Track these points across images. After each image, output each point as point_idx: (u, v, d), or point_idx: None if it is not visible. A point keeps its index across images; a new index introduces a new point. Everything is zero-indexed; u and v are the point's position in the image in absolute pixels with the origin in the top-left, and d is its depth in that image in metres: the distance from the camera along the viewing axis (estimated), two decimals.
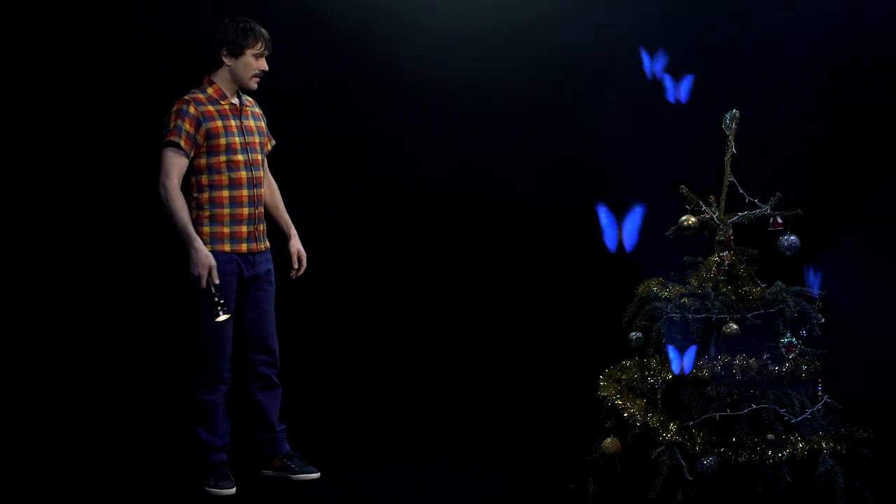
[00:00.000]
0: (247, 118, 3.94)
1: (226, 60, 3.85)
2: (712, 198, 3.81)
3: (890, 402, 4.34)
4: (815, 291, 3.63)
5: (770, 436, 3.47)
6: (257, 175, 3.93)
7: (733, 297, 3.65)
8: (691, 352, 3.51)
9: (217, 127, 3.82)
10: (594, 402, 3.84)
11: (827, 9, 4.88)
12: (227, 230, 3.86)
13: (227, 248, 3.85)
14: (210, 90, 3.88)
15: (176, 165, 3.77)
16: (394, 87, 5.44)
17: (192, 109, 3.79)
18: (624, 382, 3.78)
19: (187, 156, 3.79)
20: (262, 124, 4.04)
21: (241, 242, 3.88)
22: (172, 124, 3.77)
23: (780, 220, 3.73)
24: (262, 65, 3.88)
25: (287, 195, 4.22)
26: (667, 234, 3.82)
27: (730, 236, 3.76)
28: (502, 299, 5.60)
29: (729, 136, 3.79)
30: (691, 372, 3.58)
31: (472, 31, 5.35)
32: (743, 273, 3.74)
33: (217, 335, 3.84)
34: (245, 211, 3.88)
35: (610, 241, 3.58)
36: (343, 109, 5.47)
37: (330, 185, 5.49)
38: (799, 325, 3.62)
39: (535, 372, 5.37)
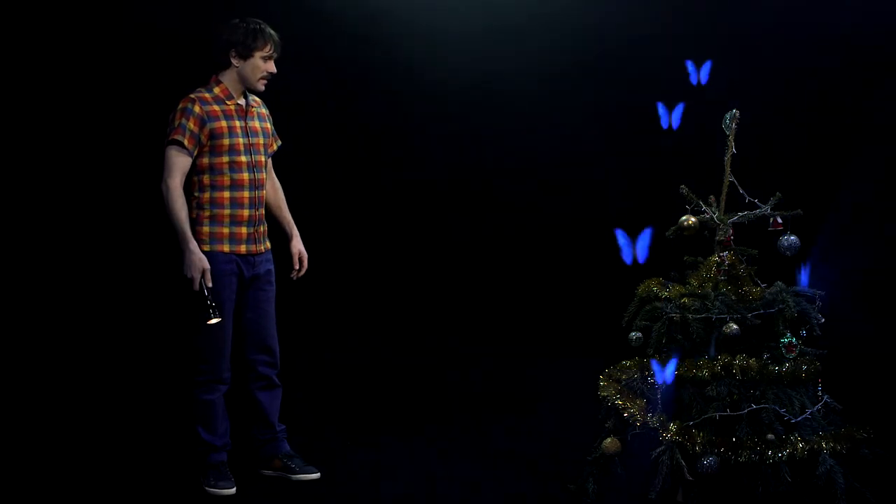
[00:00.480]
0: (252, 119, 3.94)
1: (234, 61, 3.84)
2: (712, 198, 3.81)
3: (890, 402, 4.34)
4: (805, 287, 3.63)
5: (770, 436, 3.46)
6: (260, 177, 3.93)
7: (733, 297, 3.65)
8: (673, 362, 3.52)
9: (221, 127, 3.82)
10: (594, 402, 3.84)
11: (827, 8, 4.88)
12: (226, 231, 3.85)
13: (226, 248, 3.85)
14: (217, 90, 3.87)
15: (179, 164, 3.77)
16: (393, 88, 5.45)
17: (197, 108, 3.79)
18: (624, 382, 3.78)
19: (190, 155, 3.79)
20: (268, 125, 4.03)
21: (240, 243, 3.88)
22: (177, 122, 3.77)
23: (780, 220, 3.73)
24: (271, 67, 3.87)
25: (288, 195, 4.22)
26: (667, 234, 3.81)
27: (730, 236, 3.75)
28: (502, 299, 5.61)
29: (729, 136, 3.79)
30: (691, 372, 3.57)
31: (473, 31, 5.36)
32: (743, 273, 3.74)
33: (216, 335, 3.84)
34: (246, 213, 3.88)
35: (627, 257, 3.66)
36: (343, 109, 5.48)
37: (330, 185, 5.50)
38: (799, 325, 3.61)
39: (535, 372, 5.37)
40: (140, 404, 4.92)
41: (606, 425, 3.76)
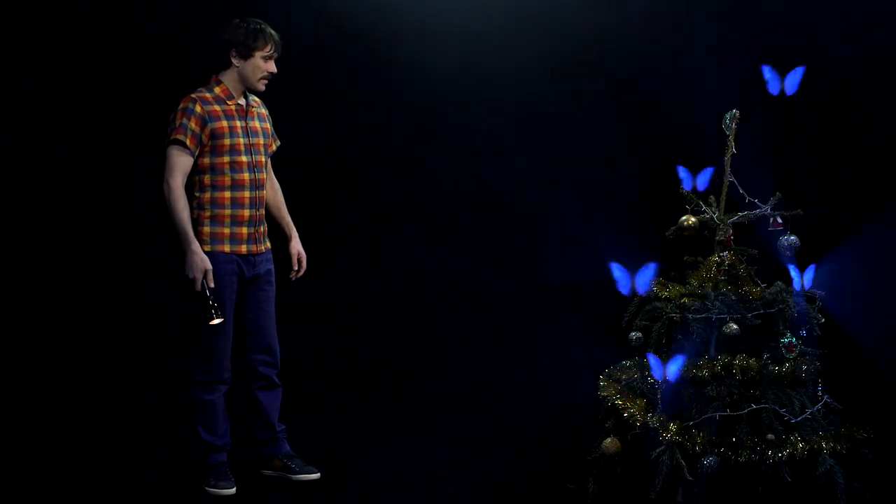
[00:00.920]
0: (252, 119, 3.93)
1: (234, 61, 3.84)
2: (712, 198, 3.81)
3: (890, 402, 4.34)
4: (798, 287, 3.64)
5: (770, 436, 3.46)
6: (260, 177, 3.92)
7: (733, 297, 3.65)
8: (676, 360, 3.52)
9: (222, 127, 3.82)
10: (594, 402, 3.84)
11: (827, 8, 4.88)
12: (227, 231, 3.85)
13: (226, 248, 3.85)
14: (217, 90, 3.87)
15: (180, 164, 3.77)
16: (394, 87, 5.44)
17: (198, 108, 3.79)
18: (624, 382, 3.78)
19: (192, 154, 3.79)
20: (268, 125, 4.03)
21: (241, 243, 3.88)
22: (178, 122, 3.77)
23: (780, 220, 3.73)
24: (271, 67, 3.87)
25: (286, 196, 4.21)
26: (667, 234, 3.82)
27: (730, 236, 3.76)
28: (502, 299, 5.60)
29: (729, 136, 3.79)
30: (691, 372, 3.58)
31: (474, 30, 5.36)
32: (743, 273, 3.74)
33: (217, 335, 3.84)
34: (246, 213, 3.88)
35: (624, 289, 3.69)
36: (343, 110, 5.47)
37: (330, 185, 5.49)
38: (799, 325, 3.62)
39: (534, 372, 5.37)
40: (140, 404, 4.92)
41: (606, 425, 3.76)
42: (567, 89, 5.37)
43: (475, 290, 5.62)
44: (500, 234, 5.57)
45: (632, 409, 3.64)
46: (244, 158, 3.86)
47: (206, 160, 3.82)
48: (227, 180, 3.84)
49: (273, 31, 3.86)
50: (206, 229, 3.83)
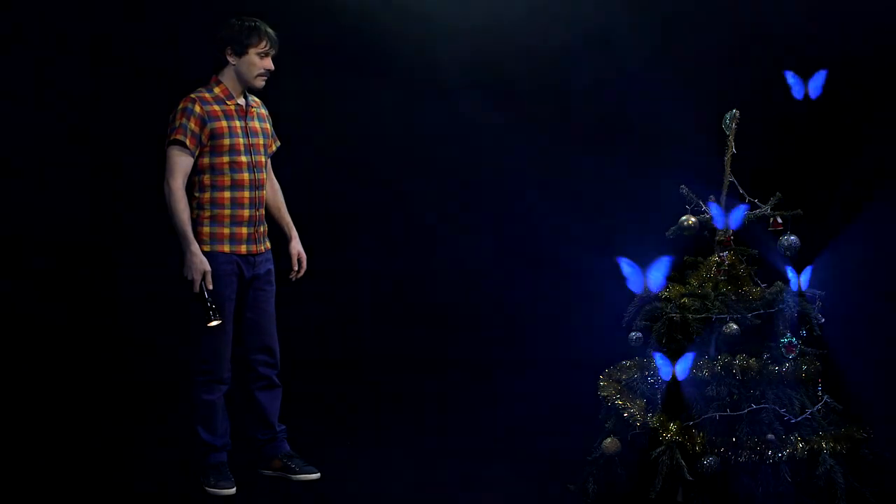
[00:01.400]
0: (252, 119, 3.93)
1: (230, 59, 3.84)
2: (712, 198, 3.81)
3: (890, 402, 4.34)
4: (794, 286, 3.64)
5: (770, 436, 3.46)
6: (260, 177, 3.92)
7: (733, 297, 3.65)
8: (686, 358, 3.51)
9: (221, 127, 3.82)
10: (594, 402, 3.84)
11: (827, 8, 4.88)
12: (227, 231, 3.85)
13: (226, 248, 3.85)
14: (217, 90, 3.87)
15: (180, 164, 3.77)
16: (394, 88, 5.44)
17: (197, 108, 3.78)
18: (624, 382, 3.78)
19: (192, 154, 3.78)
20: (268, 125, 4.03)
21: (240, 244, 3.88)
22: (178, 122, 3.77)
23: (780, 220, 3.73)
24: (268, 64, 3.86)
25: (286, 196, 4.21)
26: (667, 234, 3.82)
27: (730, 236, 3.76)
28: (502, 299, 5.60)
29: (729, 136, 3.79)
30: (691, 372, 3.58)
31: (475, 29, 5.36)
32: (743, 273, 3.74)
33: (217, 335, 3.83)
34: (246, 213, 3.87)
35: (635, 287, 3.66)
36: (343, 110, 5.47)
37: (330, 185, 5.50)
38: (799, 325, 3.62)
39: (535, 371, 5.37)
40: (140, 404, 4.92)
41: (606, 425, 3.76)
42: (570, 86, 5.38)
43: (474, 289, 5.62)
44: (501, 234, 5.57)
45: (632, 409, 3.64)
46: (244, 158, 3.86)
47: (206, 160, 3.82)
48: (227, 180, 3.84)
49: (269, 29, 3.85)
50: (206, 229, 3.83)
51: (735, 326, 3.57)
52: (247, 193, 3.87)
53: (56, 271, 5.19)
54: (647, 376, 3.71)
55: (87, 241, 5.20)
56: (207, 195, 3.84)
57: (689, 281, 3.78)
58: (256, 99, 4.01)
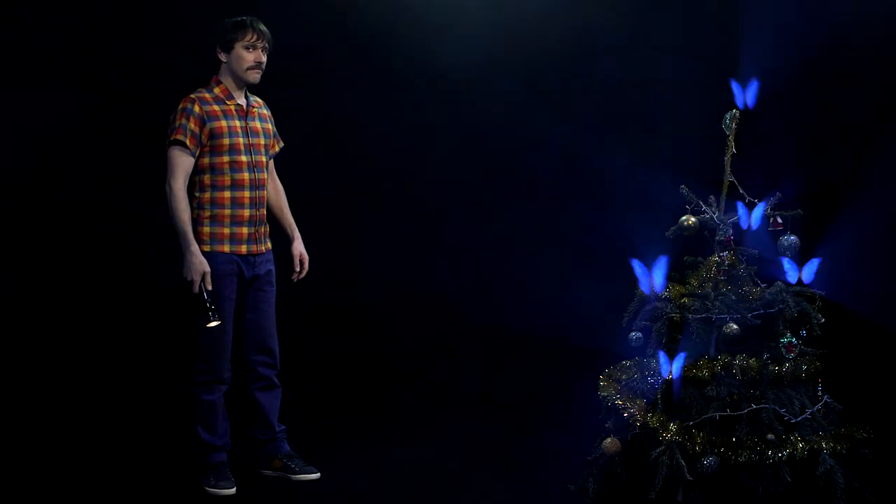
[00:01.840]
0: (253, 119, 3.93)
1: (221, 58, 3.85)
2: (712, 198, 3.81)
3: (890, 402, 4.34)
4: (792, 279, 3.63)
5: (770, 436, 3.46)
6: (260, 177, 3.92)
7: (733, 297, 3.65)
8: (681, 357, 3.51)
9: (221, 127, 3.82)
10: (594, 402, 3.84)
11: (827, 8, 4.89)
12: (227, 231, 3.85)
13: (226, 248, 3.85)
14: (217, 90, 3.87)
15: (181, 165, 3.77)
16: (395, 88, 5.45)
17: (196, 108, 3.79)
18: (624, 382, 3.78)
19: (192, 155, 3.79)
20: (269, 126, 4.03)
21: (241, 244, 3.88)
22: (177, 123, 3.77)
23: (780, 220, 3.73)
24: (257, 56, 3.85)
25: (289, 197, 4.21)
26: (667, 234, 3.82)
27: (730, 236, 3.75)
28: (502, 298, 5.61)
29: (729, 136, 3.79)
30: (691, 372, 3.58)
31: (477, 28, 5.37)
32: (743, 273, 3.74)
33: (217, 336, 3.84)
34: (246, 212, 3.87)
35: (644, 287, 3.70)
36: (344, 110, 5.48)
37: (331, 185, 5.50)
38: (799, 325, 3.61)
39: (535, 371, 5.38)
40: (140, 404, 4.92)
41: (606, 425, 3.76)
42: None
43: (474, 289, 5.62)
44: (502, 233, 5.57)
45: (632, 409, 3.64)
46: (244, 158, 3.86)
47: (206, 160, 3.82)
48: (227, 180, 3.84)
49: (258, 24, 3.84)
50: (206, 229, 3.83)
51: (735, 326, 3.56)
52: (247, 193, 3.87)
53: (56, 271, 5.19)
54: (647, 376, 3.71)
55: (87, 241, 5.21)
56: (208, 195, 3.84)
57: (689, 281, 3.78)
58: (259, 99, 4.01)
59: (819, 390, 3.64)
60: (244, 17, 3.84)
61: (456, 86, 5.44)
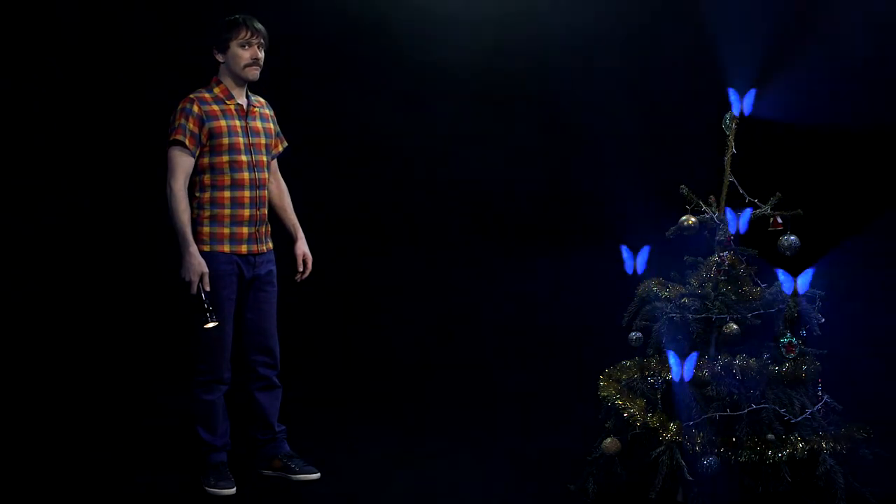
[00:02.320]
0: (253, 119, 3.93)
1: (219, 58, 3.86)
2: (712, 198, 3.81)
3: (890, 401, 4.34)
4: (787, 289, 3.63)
5: (770, 436, 3.46)
6: (261, 177, 3.92)
7: (733, 297, 3.65)
8: (692, 358, 3.51)
9: (220, 126, 3.82)
10: (594, 402, 3.84)
11: (827, 9, 4.89)
12: (227, 231, 3.85)
13: (226, 248, 3.85)
14: (217, 90, 3.87)
15: (181, 165, 3.77)
16: (395, 88, 5.45)
17: (195, 108, 3.79)
18: (624, 382, 3.78)
19: (192, 155, 3.78)
20: (271, 125, 4.02)
21: (241, 244, 3.88)
22: (177, 123, 3.77)
23: (780, 220, 3.73)
24: (253, 53, 3.84)
25: (293, 196, 4.20)
26: (667, 234, 3.82)
27: (730, 236, 3.75)
28: (503, 298, 5.60)
29: (729, 136, 3.79)
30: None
31: (479, 27, 5.37)
32: (743, 273, 3.74)
33: (217, 336, 3.83)
34: (247, 212, 3.87)
35: (629, 269, 3.75)
36: (346, 110, 5.48)
37: (333, 186, 5.50)
38: (799, 325, 3.61)
39: (534, 371, 5.37)
40: (140, 404, 4.92)
41: (606, 425, 3.76)
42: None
43: (474, 289, 5.62)
44: (501, 233, 5.57)
45: (632, 409, 3.64)
46: (244, 158, 3.86)
47: (206, 160, 3.82)
48: (227, 180, 3.84)
49: (251, 21, 3.83)
50: (206, 229, 3.83)
51: (735, 326, 3.56)
52: (247, 193, 3.87)
53: (56, 271, 5.19)
54: (647, 376, 3.71)
55: (86, 240, 5.20)
56: (207, 195, 3.84)
57: (689, 281, 3.78)
58: (261, 99, 4.01)
59: (819, 390, 3.64)
60: (237, 16, 3.84)
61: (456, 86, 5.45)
